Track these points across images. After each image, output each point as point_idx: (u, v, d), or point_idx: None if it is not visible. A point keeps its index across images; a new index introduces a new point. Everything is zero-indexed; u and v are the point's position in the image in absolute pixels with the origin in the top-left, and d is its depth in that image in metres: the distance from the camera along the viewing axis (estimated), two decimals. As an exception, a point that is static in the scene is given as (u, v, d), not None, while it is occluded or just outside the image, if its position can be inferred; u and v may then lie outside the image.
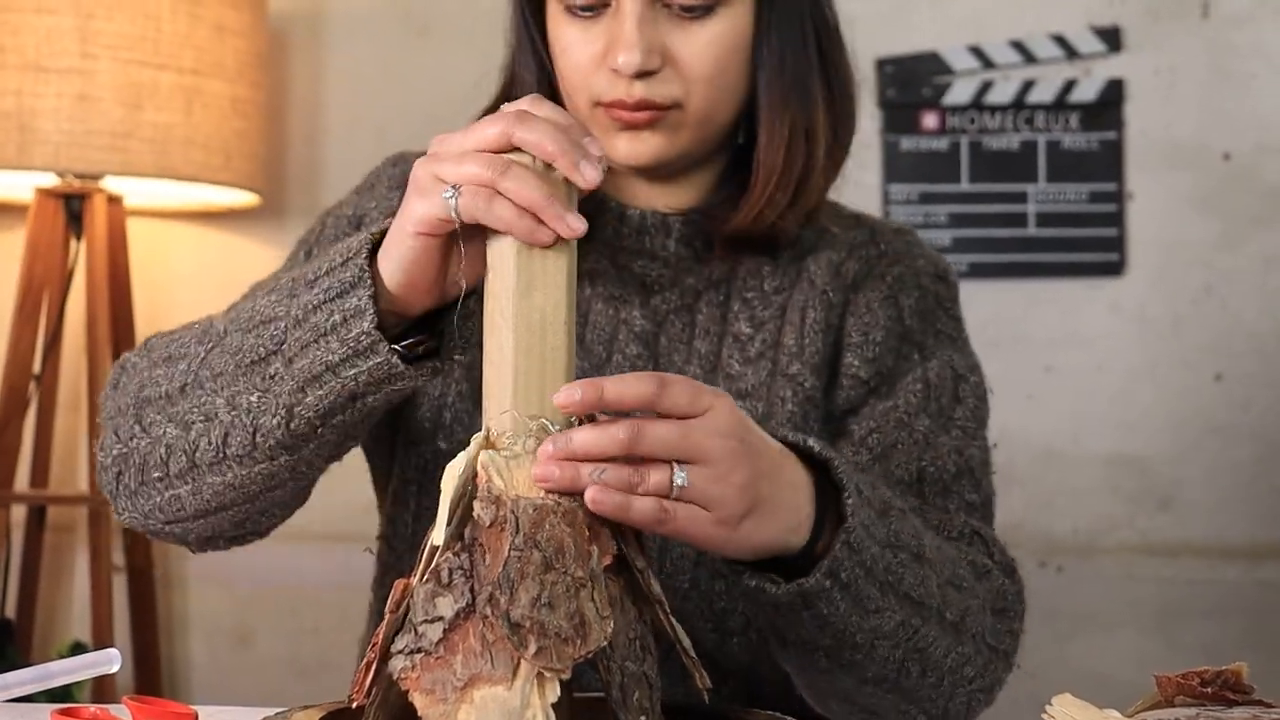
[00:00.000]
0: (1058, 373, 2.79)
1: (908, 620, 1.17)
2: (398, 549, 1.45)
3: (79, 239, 2.70)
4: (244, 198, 2.76)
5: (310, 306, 1.13)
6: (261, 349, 1.17)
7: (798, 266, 1.46)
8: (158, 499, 1.28)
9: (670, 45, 1.35)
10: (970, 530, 1.36)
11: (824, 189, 1.46)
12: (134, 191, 2.74)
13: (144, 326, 2.81)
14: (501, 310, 0.98)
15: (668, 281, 1.45)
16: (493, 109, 1.46)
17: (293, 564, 2.87)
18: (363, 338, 1.10)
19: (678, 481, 1.00)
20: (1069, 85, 2.79)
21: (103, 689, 2.57)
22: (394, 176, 1.51)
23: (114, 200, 2.69)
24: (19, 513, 2.79)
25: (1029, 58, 2.81)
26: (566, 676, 0.90)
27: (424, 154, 1.20)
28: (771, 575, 1.12)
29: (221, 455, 1.20)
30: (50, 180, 2.66)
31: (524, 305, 0.98)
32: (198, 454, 1.22)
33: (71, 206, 2.68)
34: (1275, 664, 2.69)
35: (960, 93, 2.81)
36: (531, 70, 1.44)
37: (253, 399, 1.17)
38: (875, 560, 1.14)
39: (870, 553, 1.13)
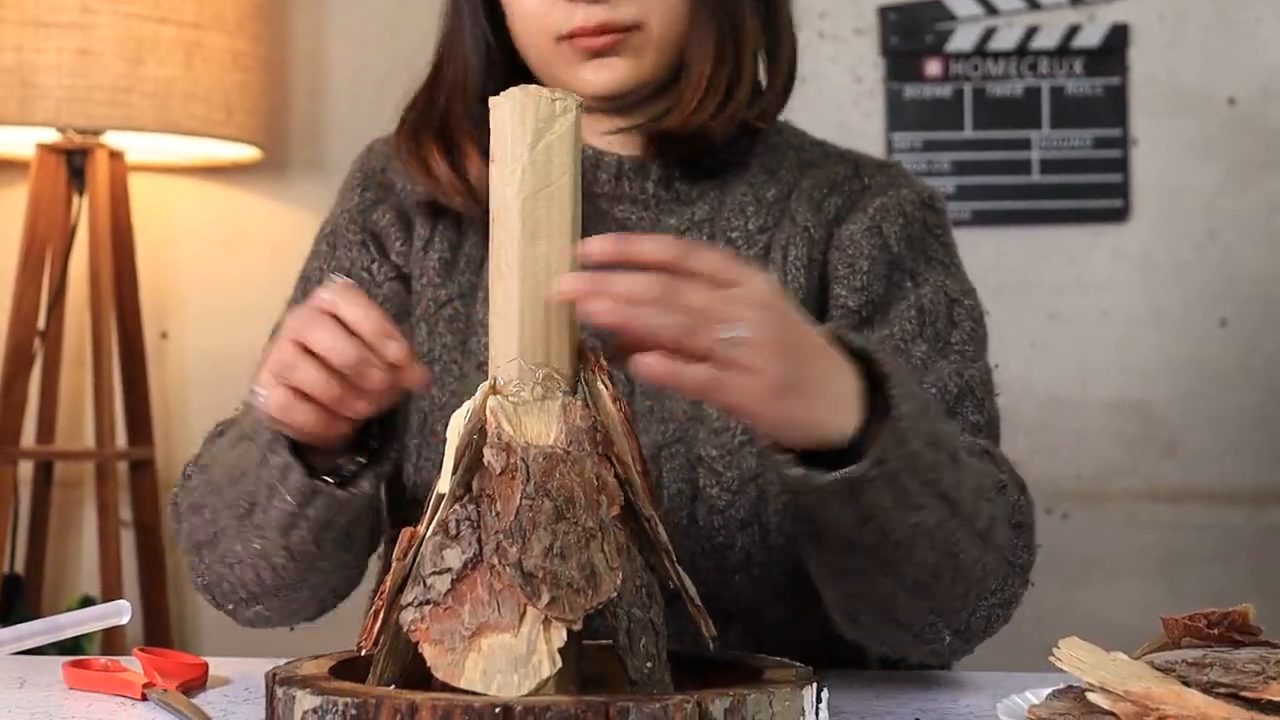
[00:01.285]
0: (1062, 320, 2.78)
1: (945, 521, 1.15)
2: (402, 500, 1.46)
3: (81, 195, 2.70)
4: (246, 152, 2.76)
5: (258, 462, 1.19)
6: (243, 503, 1.23)
7: (782, 205, 1.46)
8: (248, 613, 1.36)
9: None
10: (980, 448, 1.33)
11: (768, 107, 1.47)
12: (135, 146, 2.73)
13: (147, 281, 2.81)
14: (507, 259, 0.98)
15: (648, 224, 1.45)
16: (432, 71, 1.50)
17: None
18: (303, 486, 1.16)
19: (726, 334, 0.99)
20: (1072, 31, 2.78)
21: (113, 642, 2.58)
22: (354, 174, 1.54)
23: (116, 155, 2.69)
24: (26, 469, 2.79)
25: (1032, 4, 2.79)
26: (578, 627, 0.90)
27: (384, 140, 1.37)
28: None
29: (262, 586, 1.29)
30: (52, 136, 2.65)
31: (529, 253, 0.98)
32: (244, 589, 1.30)
33: (73, 162, 2.68)
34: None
35: (963, 39, 2.80)
36: (470, 25, 1.46)
37: (255, 546, 1.24)
38: (919, 455, 1.11)
39: (914, 446, 1.11)
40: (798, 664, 1.02)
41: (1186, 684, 0.96)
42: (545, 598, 0.90)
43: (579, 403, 0.97)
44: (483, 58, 1.46)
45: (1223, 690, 0.96)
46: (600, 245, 0.99)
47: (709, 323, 0.99)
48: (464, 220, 1.47)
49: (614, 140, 1.46)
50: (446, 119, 1.46)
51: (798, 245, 1.43)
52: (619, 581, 0.92)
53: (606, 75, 1.39)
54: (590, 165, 1.46)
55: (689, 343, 0.98)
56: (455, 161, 1.44)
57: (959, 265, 1.48)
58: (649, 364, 0.97)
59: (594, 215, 1.45)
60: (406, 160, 1.46)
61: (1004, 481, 1.29)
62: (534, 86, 1.00)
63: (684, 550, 1.35)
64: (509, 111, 0.98)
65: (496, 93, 1.40)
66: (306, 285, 1.51)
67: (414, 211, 1.49)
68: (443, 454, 1.40)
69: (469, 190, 1.43)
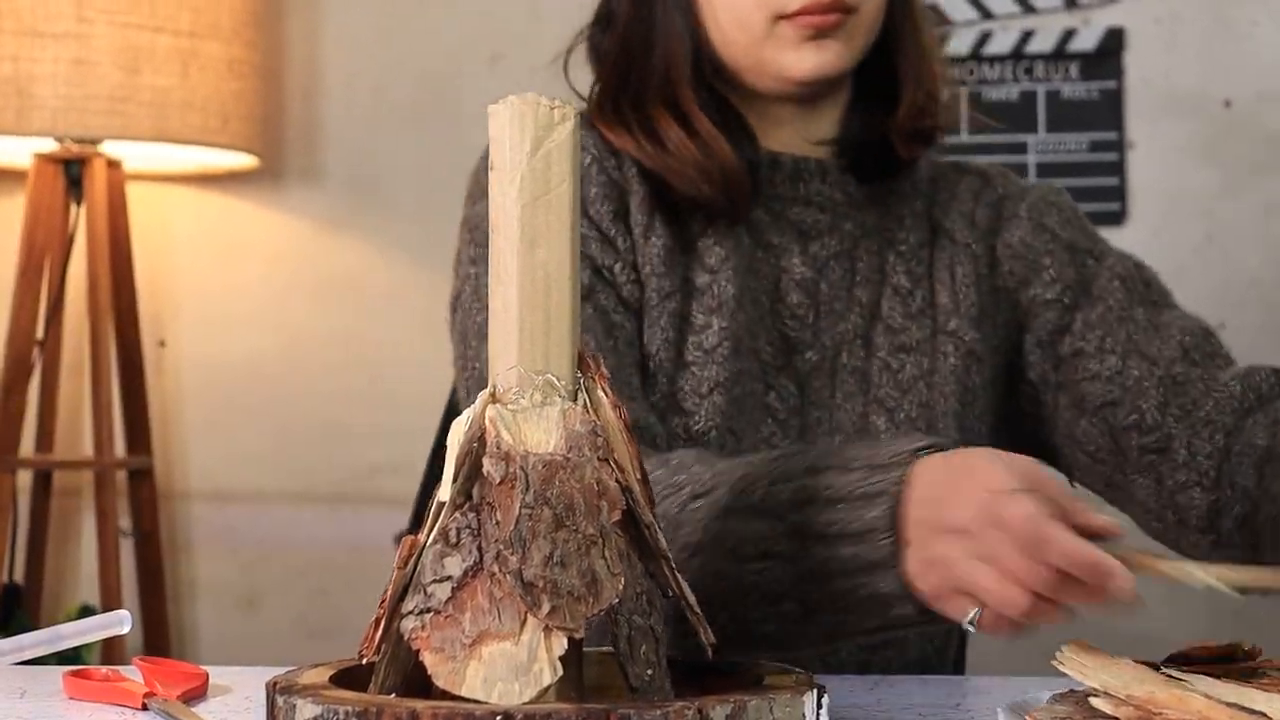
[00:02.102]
0: (1060, 323, 2.79)
1: None
2: None
3: (79, 204, 2.70)
4: (242, 160, 2.76)
5: (830, 570, 1.11)
6: (767, 587, 1.15)
7: (929, 220, 1.50)
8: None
9: None
10: (1271, 374, 1.38)
11: (940, 117, 1.51)
12: (133, 155, 2.73)
13: (145, 289, 2.81)
14: (505, 266, 0.98)
15: (825, 227, 1.47)
16: (621, 55, 1.45)
17: (299, 526, 2.87)
18: (897, 619, 1.13)
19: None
20: (1068, 34, 2.78)
21: (113, 652, 2.58)
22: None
23: (113, 164, 2.69)
24: (25, 478, 2.79)
25: (1028, 7, 2.80)
26: (580, 635, 0.90)
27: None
28: None
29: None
30: (49, 145, 2.65)
31: (528, 260, 0.98)
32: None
33: (71, 171, 2.68)
34: (1278, 612, 2.70)
35: (959, 43, 2.80)
36: (676, 5, 1.43)
37: (770, 629, 1.17)
38: None
39: None
40: (797, 669, 1.02)
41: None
42: (546, 606, 0.89)
43: (579, 408, 0.97)
44: (691, 37, 1.43)
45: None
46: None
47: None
48: (673, 209, 1.44)
49: (778, 133, 1.47)
50: (671, 93, 1.43)
51: (963, 264, 1.47)
52: (620, 587, 0.92)
53: (828, 57, 1.40)
54: (766, 165, 1.46)
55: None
56: (692, 135, 1.41)
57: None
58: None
59: (769, 218, 1.46)
60: (634, 135, 1.43)
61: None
62: (532, 94, 1.00)
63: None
64: (507, 119, 0.98)
65: (694, 83, 1.42)
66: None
67: (631, 196, 1.45)
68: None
69: (711, 167, 1.41)
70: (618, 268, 1.41)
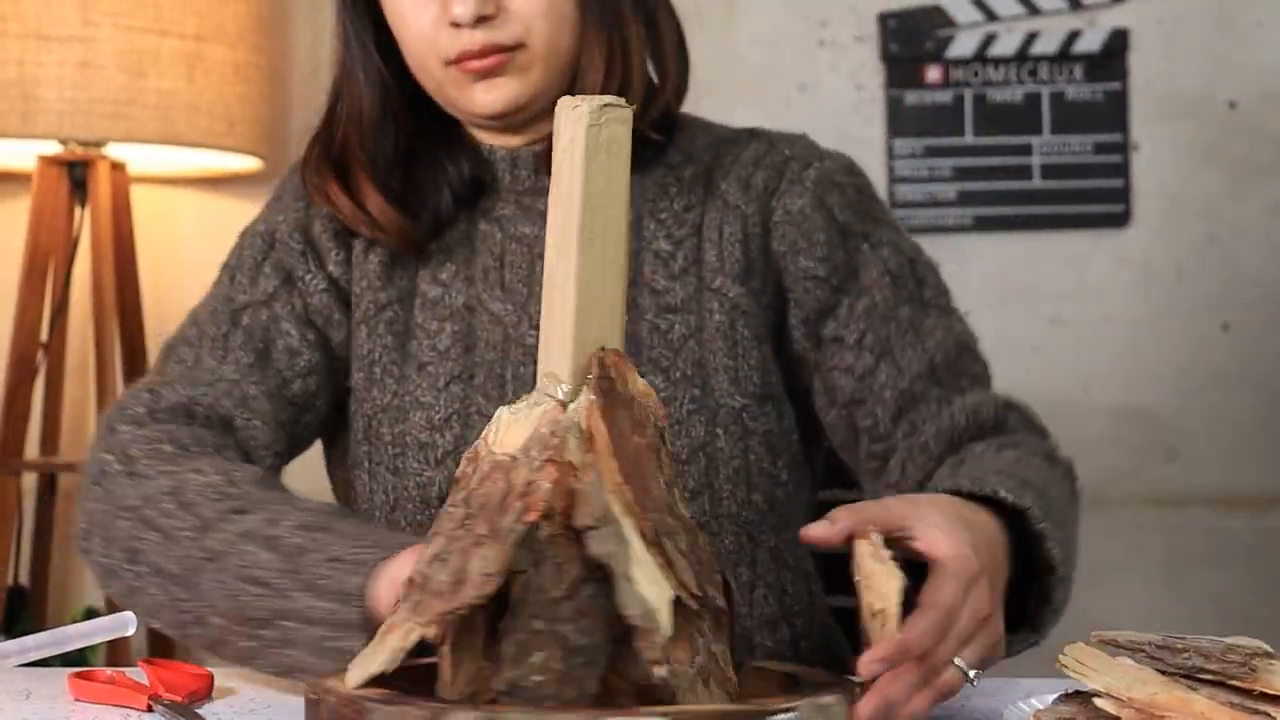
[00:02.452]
0: (1063, 325, 2.79)
1: (1069, 576, 1.31)
2: (360, 509, 1.48)
3: (83, 206, 2.70)
4: (247, 163, 2.76)
5: (310, 618, 1.19)
6: (259, 611, 1.22)
7: (704, 183, 1.50)
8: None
9: None
10: (1000, 408, 1.44)
11: (666, 106, 1.50)
12: (137, 158, 2.74)
13: (150, 292, 2.81)
14: (561, 263, 0.98)
15: None
16: (327, 110, 1.52)
17: (303, 527, 2.87)
18: (350, 657, 1.14)
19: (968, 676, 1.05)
20: (1073, 36, 2.78)
21: (117, 653, 2.58)
22: (296, 185, 1.55)
23: (117, 167, 2.69)
24: (30, 480, 2.80)
25: (1032, 9, 2.80)
26: (430, 633, 0.92)
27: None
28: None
29: (214, 649, 1.28)
30: (54, 148, 2.66)
31: (586, 257, 0.98)
32: (188, 632, 1.30)
33: (75, 174, 2.68)
34: (1284, 612, 2.71)
35: (963, 45, 2.80)
36: (359, 57, 1.49)
37: (245, 644, 1.24)
38: (1066, 587, 1.30)
39: (1065, 593, 1.30)
40: (829, 673, 1.02)
41: (1164, 671, 0.97)
42: (410, 601, 0.94)
43: (558, 408, 0.96)
44: (377, 88, 1.49)
45: (1208, 677, 0.96)
46: (869, 668, 0.99)
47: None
48: None
49: (513, 141, 1.50)
50: (343, 153, 1.50)
51: (731, 223, 1.48)
52: (490, 589, 0.92)
53: (497, 95, 1.42)
54: (506, 164, 1.50)
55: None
56: (355, 196, 1.48)
57: (895, 221, 1.55)
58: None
59: (518, 211, 1.49)
60: (312, 193, 1.51)
61: (1050, 448, 1.46)
62: (605, 96, 1.00)
63: None
64: (570, 118, 0.98)
65: (397, 122, 1.48)
66: (236, 273, 1.53)
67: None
68: (389, 455, 1.43)
69: (371, 221, 1.47)
70: (309, 278, 1.50)
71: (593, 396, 0.95)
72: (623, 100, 1.00)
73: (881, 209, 1.53)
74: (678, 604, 0.90)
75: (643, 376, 1.03)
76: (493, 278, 1.47)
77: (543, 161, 1.48)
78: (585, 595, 0.92)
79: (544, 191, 1.45)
